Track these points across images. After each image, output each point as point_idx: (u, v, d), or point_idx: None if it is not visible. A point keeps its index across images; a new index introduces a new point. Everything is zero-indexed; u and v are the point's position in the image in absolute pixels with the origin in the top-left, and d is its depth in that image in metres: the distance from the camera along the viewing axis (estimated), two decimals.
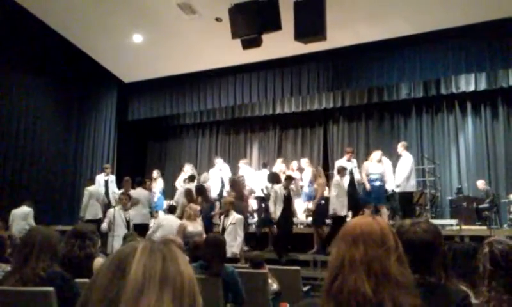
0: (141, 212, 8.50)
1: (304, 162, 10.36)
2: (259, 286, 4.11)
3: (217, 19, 8.93)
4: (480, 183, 9.40)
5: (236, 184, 8.66)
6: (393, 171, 8.82)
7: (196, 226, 6.68)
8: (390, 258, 1.08)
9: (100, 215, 9.12)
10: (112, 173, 10.84)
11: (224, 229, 6.78)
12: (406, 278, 1.08)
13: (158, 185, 10.92)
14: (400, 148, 8.82)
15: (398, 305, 1.03)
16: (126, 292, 0.69)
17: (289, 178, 8.32)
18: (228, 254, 6.52)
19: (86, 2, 9.21)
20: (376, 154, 8.69)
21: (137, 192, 8.68)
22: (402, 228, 1.72)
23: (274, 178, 8.41)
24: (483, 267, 1.90)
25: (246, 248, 7.97)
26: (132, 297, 0.69)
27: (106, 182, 10.35)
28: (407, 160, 8.66)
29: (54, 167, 11.53)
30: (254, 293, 3.95)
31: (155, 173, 11.14)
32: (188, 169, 10.60)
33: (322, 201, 8.24)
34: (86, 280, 2.75)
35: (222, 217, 7.08)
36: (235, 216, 6.84)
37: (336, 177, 8.21)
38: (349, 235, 1.16)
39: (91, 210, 9.17)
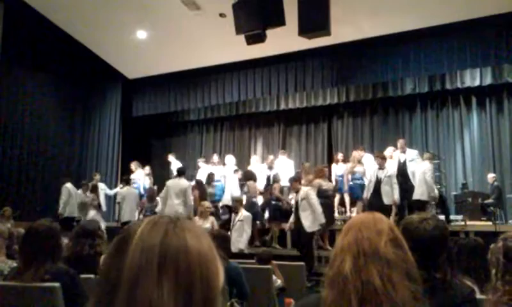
0: (126, 210, 8.66)
1: (255, 159, 10.52)
2: (263, 282, 4.12)
3: (221, 15, 8.92)
4: (491, 178, 9.37)
5: (200, 185, 8.94)
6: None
7: (205, 223, 6.81)
8: (381, 239, 1.09)
9: (75, 214, 9.15)
10: (101, 181, 10.71)
11: (232, 226, 6.97)
12: (401, 260, 1.08)
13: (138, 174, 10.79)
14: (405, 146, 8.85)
15: (388, 282, 1.02)
16: (124, 275, 0.62)
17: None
18: (235, 250, 6.67)
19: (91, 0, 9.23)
20: (388, 150, 8.77)
21: (124, 192, 8.85)
22: (410, 224, 1.71)
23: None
24: (496, 261, 1.89)
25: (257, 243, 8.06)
26: (130, 281, 0.61)
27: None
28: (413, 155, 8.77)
29: (59, 163, 11.57)
30: (258, 289, 3.96)
31: (147, 169, 11.10)
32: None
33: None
34: (92, 276, 2.77)
35: (233, 214, 7.23)
36: (243, 213, 7.01)
37: (428, 164, 8.09)
38: (345, 227, 1.19)
39: (69, 208, 9.22)
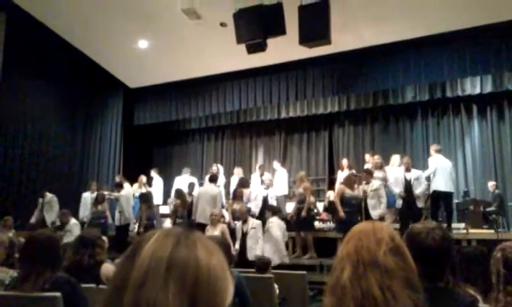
0: (129, 210, 8.99)
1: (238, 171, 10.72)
2: (265, 291, 4.09)
3: (221, 24, 8.96)
4: (491, 186, 9.35)
5: (180, 194, 8.99)
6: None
7: (213, 231, 6.87)
8: (380, 248, 1.09)
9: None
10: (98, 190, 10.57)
11: (244, 235, 7.01)
12: (402, 269, 1.07)
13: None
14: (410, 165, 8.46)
15: (387, 291, 1.02)
16: (132, 276, 0.64)
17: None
18: (251, 258, 6.68)
19: (92, 9, 9.27)
20: (395, 158, 8.74)
21: (125, 193, 9.09)
22: (418, 234, 1.70)
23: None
24: (497, 272, 1.88)
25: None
26: (137, 282, 0.63)
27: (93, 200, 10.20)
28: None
29: (60, 172, 11.57)
30: (260, 298, 3.93)
31: (144, 179, 11.07)
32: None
33: (303, 205, 8.26)
34: (93, 285, 2.76)
35: (239, 223, 7.32)
36: (253, 221, 7.04)
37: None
38: (346, 237, 1.19)
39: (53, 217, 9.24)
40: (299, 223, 8.23)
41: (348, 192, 7.76)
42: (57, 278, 2.44)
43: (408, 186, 7.98)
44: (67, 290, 2.40)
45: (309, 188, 8.50)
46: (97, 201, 9.31)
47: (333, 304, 1.06)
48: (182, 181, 10.82)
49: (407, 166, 8.17)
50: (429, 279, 1.55)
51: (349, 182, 7.97)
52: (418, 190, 7.88)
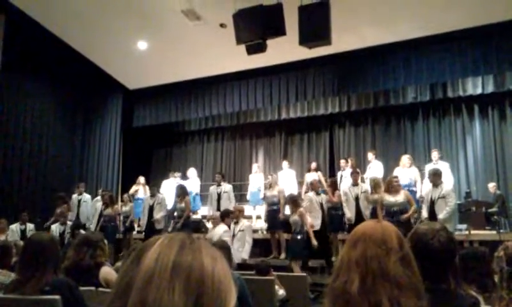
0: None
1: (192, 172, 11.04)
2: (266, 293, 4.08)
3: (221, 25, 8.95)
4: (492, 187, 9.31)
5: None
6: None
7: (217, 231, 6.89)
8: (390, 258, 1.06)
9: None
10: (86, 192, 10.76)
11: (234, 236, 6.90)
12: (410, 280, 1.05)
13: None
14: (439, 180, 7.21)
15: (396, 304, 1.00)
16: (138, 278, 0.66)
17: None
18: (237, 260, 6.64)
19: (91, 10, 9.27)
20: (405, 159, 8.69)
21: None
22: (424, 235, 1.68)
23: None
24: (500, 270, 1.87)
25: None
26: (142, 283, 0.65)
27: (79, 202, 10.36)
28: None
29: (59, 174, 11.57)
30: (261, 300, 3.92)
31: (142, 179, 11.09)
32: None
33: (274, 207, 8.51)
34: (92, 288, 2.75)
35: (232, 223, 7.21)
36: (244, 223, 7.00)
37: None
38: (352, 237, 1.16)
39: None
40: (274, 225, 8.48)
41: (387, 198, 6.70)
42: (57, 280, 2.43)
43: (432, 205, 6.78)
44: (66, 293, 2.38)
45: (282, 191, 8.69)
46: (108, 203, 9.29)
47: None
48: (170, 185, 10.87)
49: (435, 182, 6.87)
50: (432, 280, 1.53)
51: (388, 187, 6.86)
52: (443, 213, 6.60)
